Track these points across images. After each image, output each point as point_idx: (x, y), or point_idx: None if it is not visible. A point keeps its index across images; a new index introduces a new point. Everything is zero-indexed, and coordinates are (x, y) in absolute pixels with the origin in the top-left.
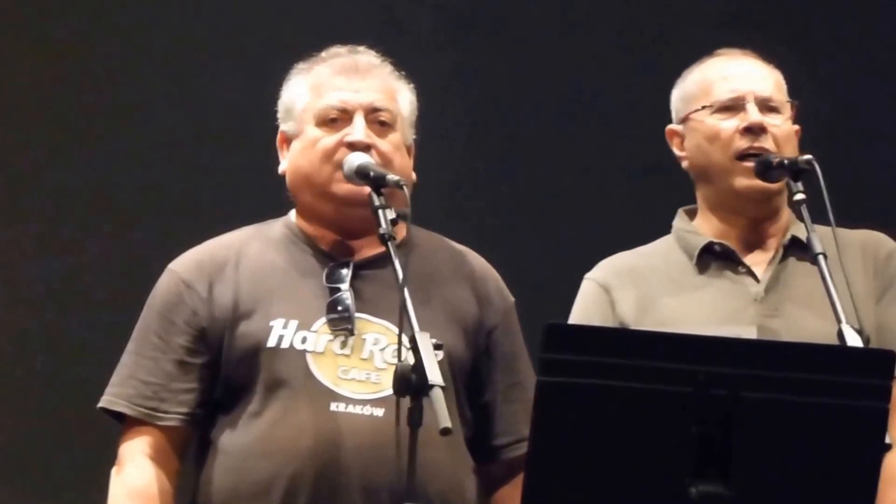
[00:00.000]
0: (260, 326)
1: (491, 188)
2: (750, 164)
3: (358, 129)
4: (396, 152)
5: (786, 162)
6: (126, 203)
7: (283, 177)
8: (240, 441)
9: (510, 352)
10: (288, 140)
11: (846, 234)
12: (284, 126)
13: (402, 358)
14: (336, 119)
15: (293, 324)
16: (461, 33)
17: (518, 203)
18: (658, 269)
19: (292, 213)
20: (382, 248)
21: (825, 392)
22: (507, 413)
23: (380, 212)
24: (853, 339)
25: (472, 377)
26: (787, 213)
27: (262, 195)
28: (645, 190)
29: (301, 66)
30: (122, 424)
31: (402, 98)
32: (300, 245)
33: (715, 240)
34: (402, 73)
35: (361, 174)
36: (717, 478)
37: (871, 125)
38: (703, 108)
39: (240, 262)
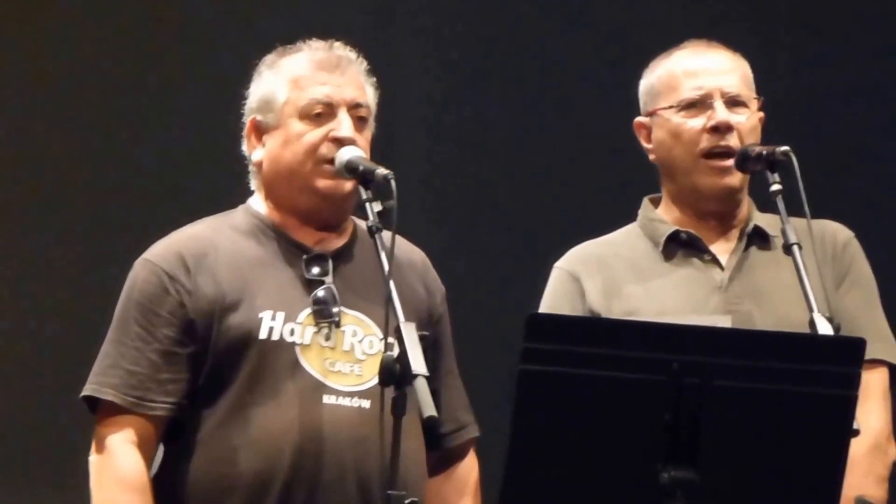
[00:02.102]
0: (249, 318)
1: (458, 177)
2: (715, 164)
3: (345, 126)
4: (368, 148)
5: (764, 153)
6: (96, 199)
7: (232, 165)
8: (232, 432)
9: (449, 340)
10: (261, 130)
11: (804, 224)
12: (261, 117)
13: (387, 348)
14: (320, 114)
15: (280, 315)
16: (430, 21)
17: (488, 191)
18: (624, 256)
19: (254, 202)
20: (345, 240)
21: (796, 380)
22: (448, 400)
23: (367, 205)
24: (824, 328)
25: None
26: (747, 203)
27: (214, 185)
28: (611, 176)
29: (271, 57)
30: (97, 413)
31: (370, 93)
32: (270, 235)
33: (681, 228)
34: (370, 66)
35: (350, 168)
36: (688, 463)
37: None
38: (670, 107)
39: (216, 254)
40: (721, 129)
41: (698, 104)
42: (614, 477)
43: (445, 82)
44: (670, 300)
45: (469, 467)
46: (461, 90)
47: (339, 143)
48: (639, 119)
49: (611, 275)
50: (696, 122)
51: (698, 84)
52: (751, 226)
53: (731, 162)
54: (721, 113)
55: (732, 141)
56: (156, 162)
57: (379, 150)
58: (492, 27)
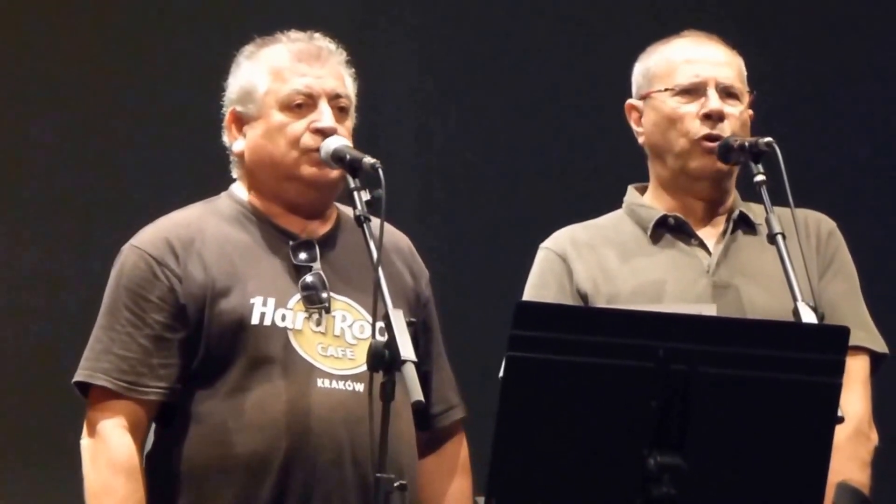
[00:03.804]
0: (241, 303)
1: (445, 165)
2: (707, 145)
3: (326, 116)
4: (350, 138)
5: (747, 144)
6: (83, 187)
7: (213, 153)
8: (227, 415)
9: (436, 322)
10: (241, 121)
11: (788, 213)
12: (241, 108)
13: (375, 335)
14: (301, 104)
15: (271, 301)
16: (417, 13)
17: (475, 179)
18: (612, 240)
19: (237, 189)
20: (330, 226)
21: (781, 367)
22: (438, 381)
23: (355, 194)
24: (808, 316)
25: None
26: (734, 191)
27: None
28: (597, 163)
29: (250, 48)
30: (89, 398)
31: (349, 85)
32: (255, 222)
33: (669, 213)
34: (355, 54)
35: (337, 158)
36: (674, 449)
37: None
38: (666, 90)
39: (204, 239)
40: (713, 118)
41: (693, 91)
42: (601, 462)
43: (433, 72)
44: (659, 283)
45: (458, 446)
46: (449, 80)
47: (321, 133)
48: (631, 101)
49: (599, 257)
50: (691, 108)
51: (695, 71)
52: (737, 212)
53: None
54: (714, 101)
55: (724, 130)
56: (139, 149)
57: (366, 140)
58: (479, 19)
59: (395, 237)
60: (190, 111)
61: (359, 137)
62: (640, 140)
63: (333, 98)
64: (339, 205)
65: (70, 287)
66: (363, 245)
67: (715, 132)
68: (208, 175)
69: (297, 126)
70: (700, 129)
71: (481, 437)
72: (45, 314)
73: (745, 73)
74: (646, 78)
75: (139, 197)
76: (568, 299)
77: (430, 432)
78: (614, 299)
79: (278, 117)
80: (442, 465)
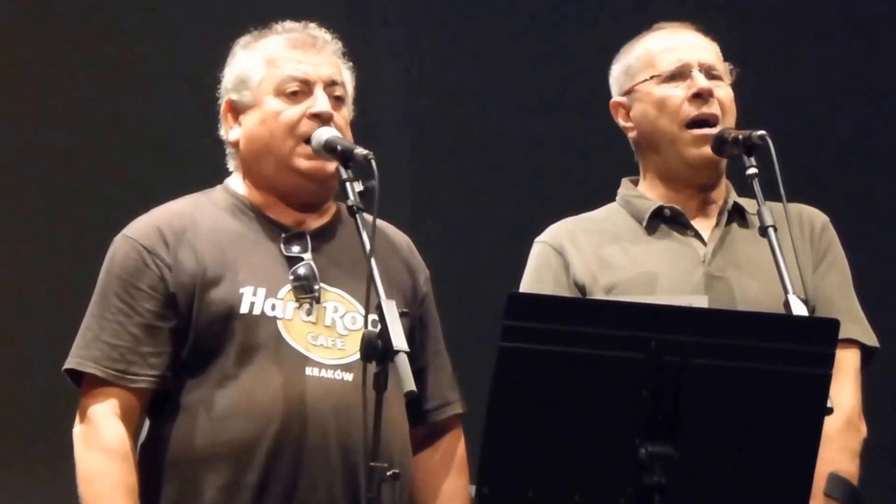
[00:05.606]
0: (230, 293)
1: (440, 159)
2: (699, 132)
3: (321, 101)
4: (347, 128)
5: (741, 137)
6: (76, 178)
7: (207, 146)
8: (217, 403)
9: (434, 319)
10: (237, 109)
11: (781, 207)
12: (236, 96)
13: (368, 324)
14: (297, 91)
15: (261, 291)
16: (420, 8)
17: (470, 172)
18: (608, 232)
19: (232, 182)
20: (326, 220)
21: (772, 359)
22: (435, 378)
23: (348, 185)
24: (799, 309)
25: (409, 344)
26: (725, 184)
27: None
28: (592, 155)
29: (245, 38)
30: (80, 386)
31: (346, 75)
32: (248, 213)
33: (665, 203)
34: (348, 48)
35: (329, 148)
36: (665, 439)
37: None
38: (651, 78)
39: (196, 230)
40: (703, 96)
41: (678, 75)
42: (592, 451)
43: (428, 66)
44: (655, 274)
45: (455, 442)
46: (442, 73)
47: (318, 118)
48: (616, 99)
49: (595, 248)
50: (678, 91)
51: (677, 56)
52: (730, 203)
53: (713, 130)
54: (701, 80)
55: (714, 108)
56: (132, 141)
57: (361, 134)
58: (474, 11)
59: (395, 234)
60: (187, 106)
61: (354, 131)
62: (631, 135)
63: (329, 85)
64: (339, 203)
65: (67, 277)
66: (355, 240)
67: (706, 111)
68: (207, 171)
69: (293, 112)
70: (690, 111)
71: (479, 431)
72: (45, 310)
73: (722, 57)
74: (627, 74)
75: (138, 193)
76: (565, 293)
77: (426, 427)
78: (612, 290)
79: (273, 104)
80: (437, 460)
